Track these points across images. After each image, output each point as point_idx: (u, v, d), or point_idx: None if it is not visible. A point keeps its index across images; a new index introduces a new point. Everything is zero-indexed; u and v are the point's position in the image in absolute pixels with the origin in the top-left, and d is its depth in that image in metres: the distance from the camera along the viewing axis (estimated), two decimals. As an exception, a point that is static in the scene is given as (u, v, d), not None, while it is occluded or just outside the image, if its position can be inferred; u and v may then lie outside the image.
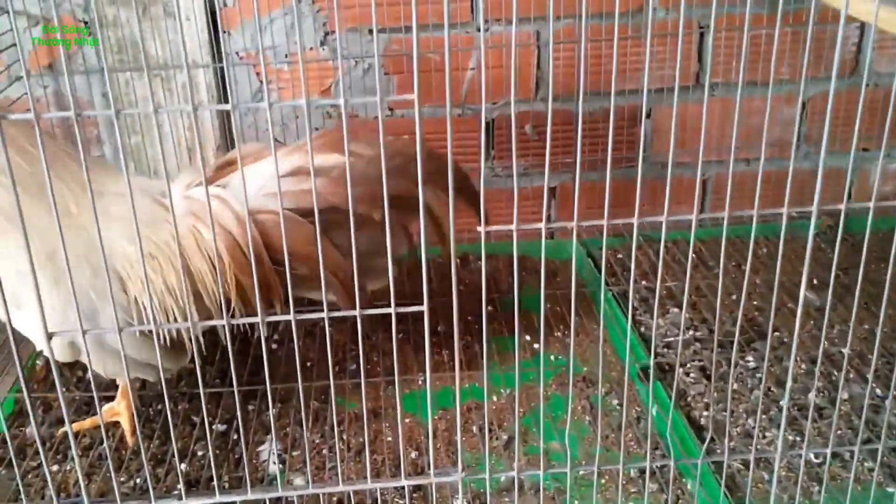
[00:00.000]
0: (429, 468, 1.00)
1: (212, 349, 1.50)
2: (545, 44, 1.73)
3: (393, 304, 0.79)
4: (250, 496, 0.93)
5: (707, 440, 1.20)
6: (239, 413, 0.91)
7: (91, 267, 1.11)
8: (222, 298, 0.95)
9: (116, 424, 1.34)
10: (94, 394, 0.89)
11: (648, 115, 1.80)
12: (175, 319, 1.16)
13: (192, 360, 1.46)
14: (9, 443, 1.10)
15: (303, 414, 0.94)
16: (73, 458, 1.27)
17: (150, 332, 1.07)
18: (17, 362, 0.80)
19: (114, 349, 1.15)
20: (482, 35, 0.73)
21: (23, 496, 0.99)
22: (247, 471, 0.98)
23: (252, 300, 1.19)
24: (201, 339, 1.21)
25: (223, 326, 0.90)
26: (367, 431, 1.24)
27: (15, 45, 1.60)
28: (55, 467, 1.27)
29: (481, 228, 0.79)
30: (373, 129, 1.75)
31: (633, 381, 1.41)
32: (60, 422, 1.36)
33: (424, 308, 0.79)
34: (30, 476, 1.26)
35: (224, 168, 1.25)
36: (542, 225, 0.83)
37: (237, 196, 1.19)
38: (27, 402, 0.81)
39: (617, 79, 0.80)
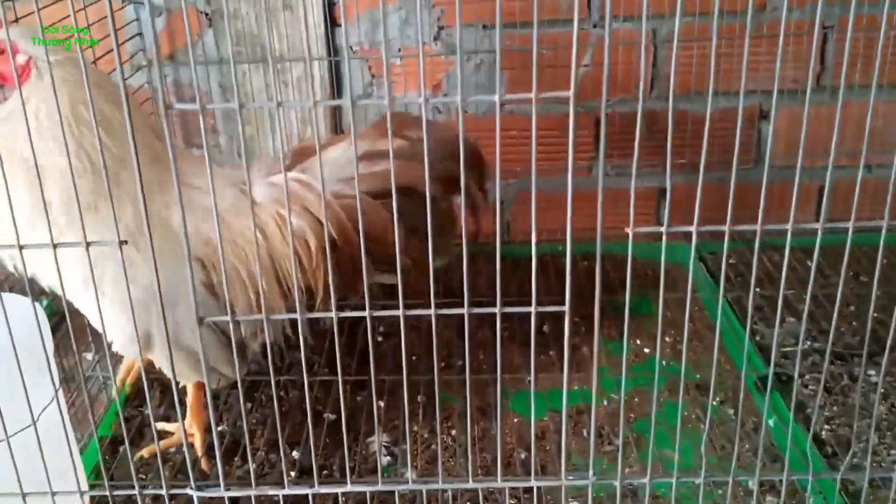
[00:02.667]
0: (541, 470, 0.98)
1: (320, 339, 1.52)
2: (661, 42, 1.69)
3: (534, 304, 0.78)
4: (350, 488, 0.93)
5: (828, 454, 1.16)
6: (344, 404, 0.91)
7: (174, 257, 1.02)
8: (302, 284, 0.93)
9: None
10: (177, 397, 0.90)
11: (765, 117, 1.75)
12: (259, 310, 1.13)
13: (304, 348, 1.48)
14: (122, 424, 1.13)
15: (406, 408, 0.93)
16: (185, 441, 1.30)
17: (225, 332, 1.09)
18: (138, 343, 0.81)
19: (189, 347, 1.13)
20: (607, 30, 0.70)
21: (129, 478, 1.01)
22: (347, 461, 0.97)
23: (339, 285, 1.17)
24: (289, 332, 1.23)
25: (308, 317, 0.88)
26: (471, 429, 1.23)
27: (140, 34, 1.65)
28: (172, 448, 1.30)
29: (629, 230, 0.77)
30: (483, 127, 1.75)
31: (749, 391, 1.37)
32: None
33: (566, 308, 0.77)
34: (149, 456, 1.29)
35: (300, 156, 1.26)
36: (663, 228, 0.80)
37: (318, 179, 1.19)
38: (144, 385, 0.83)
39: (745, 79, 0.77)
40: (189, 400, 1.29)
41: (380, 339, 1.56)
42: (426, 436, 1.32)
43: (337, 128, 1.77)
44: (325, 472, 1.26)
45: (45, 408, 0.90)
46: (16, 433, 0.85)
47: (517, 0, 1.63)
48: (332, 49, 1.69)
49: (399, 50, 1.71)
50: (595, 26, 1.68)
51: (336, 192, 1.21)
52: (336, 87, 1.73)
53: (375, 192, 1.20)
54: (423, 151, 1.15)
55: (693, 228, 0.80)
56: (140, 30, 1.65)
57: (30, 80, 1.03)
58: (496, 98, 0.72)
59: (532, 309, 0.78)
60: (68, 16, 0.61)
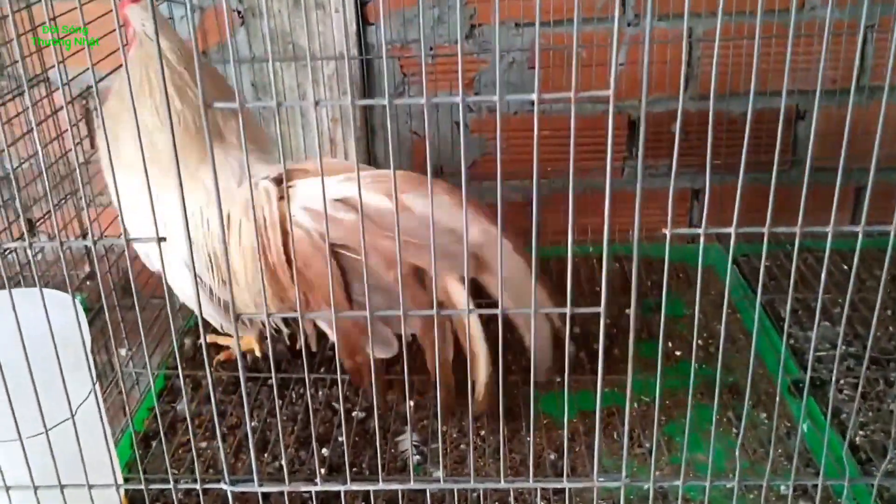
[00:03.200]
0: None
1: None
2: (696, 41, 1.68)
3: (569, 305, 0.78)
4: (381, 486, 0.93)
5: (862, 460, 1.14)
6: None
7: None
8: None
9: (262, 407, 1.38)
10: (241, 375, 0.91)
11: (802, 117, 1.72)
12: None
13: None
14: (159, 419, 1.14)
15: (437, 409, 0.93)
16: (220, 437, 1.31)
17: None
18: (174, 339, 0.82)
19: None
20: (648, 28, 0.70)
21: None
22: (379, 459, 0.98)
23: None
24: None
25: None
26: (503, 428, 1.22)
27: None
28: (203, 444, 1.31)
29: (667, 231, 0.76)
30: (513, 126, 1.74)
31: (783, 395, 1.35)
32: (209, 399, 1.41)
33: (601, 310, 0.77)
34: (180, 451, 1.31)
35: (296, 171, 1.23)
36: (700, 230, 0.80)
37: (297, 200, 1.18)
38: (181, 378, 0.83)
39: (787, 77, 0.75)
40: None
41: (411, 338, 1.55)
42: (455, 436, 1.31)
43: (367, 126, 1.77)
44: (354, 469, 1.26)
45: (82, 401, 0.91)
46: (54, 426, 0.86)
47: (555, -1, 1.62)
48: (364, 47, 1.69)
49: (431, 48, 1.71)
50: (629, 24, 1.67)
51: (297, 219, 1.18)
52: (367, 85, 1.73)
53: (335, 242, 1.16)
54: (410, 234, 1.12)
55: (732, 230, 0.79)
56: (174, 28, 1.66)
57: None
58: (534, 97, 0.72)
59: (567, 310, 0.78)
60: (109, 11, 0.61)
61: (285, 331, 1.43)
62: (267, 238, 1.18)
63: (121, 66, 1.36)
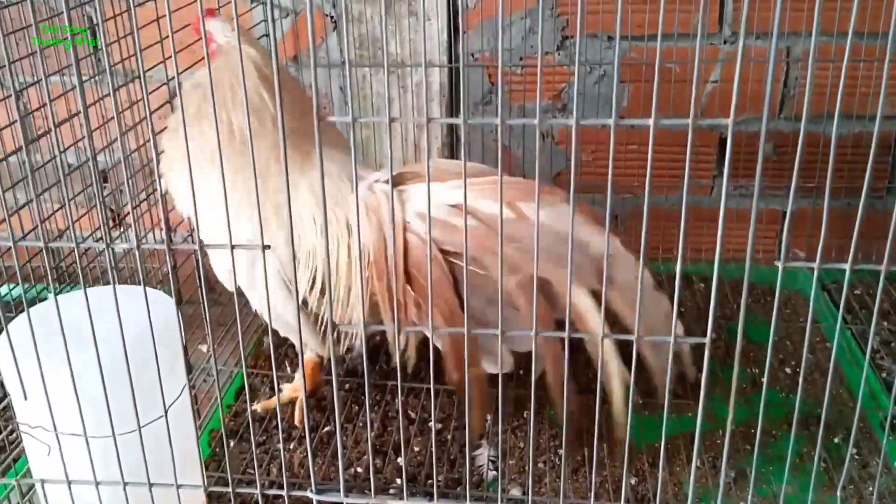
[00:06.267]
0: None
1: (423, 346, 1.51)
2: (794, 60, 1.63)
3: (673, 334, 0.75)
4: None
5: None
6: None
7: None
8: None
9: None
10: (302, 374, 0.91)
11: (901, 143, 1.67)
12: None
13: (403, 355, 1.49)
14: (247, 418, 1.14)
15: (532, 424, 0.91)
16: (297, 439, 1.32)
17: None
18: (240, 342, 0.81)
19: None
20: (740, 47, 0.67)
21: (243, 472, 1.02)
22: (466, 476, 0.96)
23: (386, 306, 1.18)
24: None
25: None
26: (597, 447, 1.20)
27: (267, 35, 1.68)
28: (279, 446, 1.32)
29: (779, 264, 0.73)
30: (601, 139, 1.72)
31: (874, 431, 1.30)
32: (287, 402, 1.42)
33: (707, 340, 0.74)
34: (257, 451, 1.31)
35: (407, 175, 1.22)
36: (779, 264, 0.76)
37: (414, 203, 1.17)
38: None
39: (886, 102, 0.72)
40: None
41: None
42: (532, 453, 1.29)
43: (453, 135, 1.76)
44: (429, 481, 1.25)
45: (174, 400, 0.92)
46: (147, 423, 0.87)
47: (647, 13, 1.59)
48: (455, 56, 1.68)
49: (521, 59, 1.69)
50: (725, 42, 1.63)
51: (412, 225, 1.16)
52: (455, 93, 1.72)
53: (449, 249, 1.15)
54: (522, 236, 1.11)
55: (815, 265, 0.75)
56: (267, 31, 1.68)
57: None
58: (611, 122, 0.70)
59: (671, 339, 0.76)
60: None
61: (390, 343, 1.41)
62: (384, 243, 1.15)
63: (195, 65, 1.39)
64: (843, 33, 1.53)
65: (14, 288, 1.55)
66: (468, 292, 0.82)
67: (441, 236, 1.13)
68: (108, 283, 1.21)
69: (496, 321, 0.75)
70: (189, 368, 1.43)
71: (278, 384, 1.46)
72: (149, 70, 1.48)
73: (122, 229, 1.77)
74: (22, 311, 0.85)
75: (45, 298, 1.40)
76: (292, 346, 1.53)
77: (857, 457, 1.26)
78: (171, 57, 0.72)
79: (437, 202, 1.13)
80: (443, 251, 1.14)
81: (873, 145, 0.74)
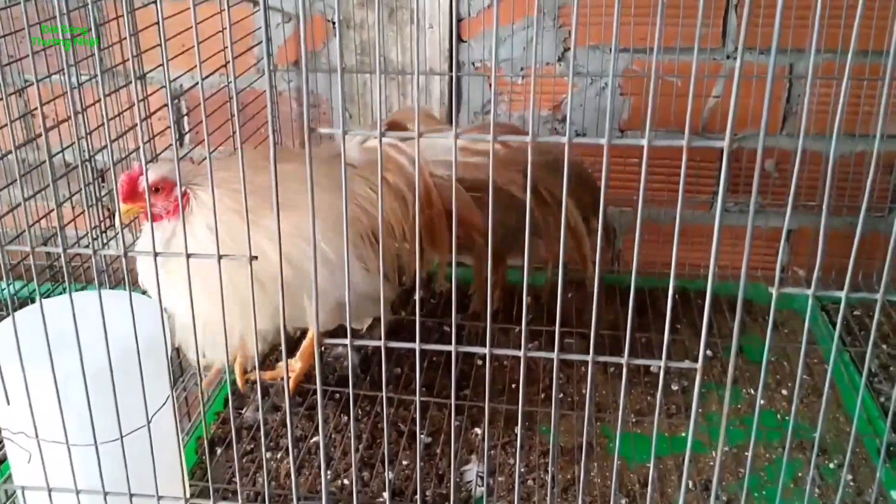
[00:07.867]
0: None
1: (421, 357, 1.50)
2: (797, 77, 1.62)
3: (664, 358, 0.74)
4: None
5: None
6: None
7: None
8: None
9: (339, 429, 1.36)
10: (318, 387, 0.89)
11: (905, 163, 1.65)
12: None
13: (401, 368, 1.47)
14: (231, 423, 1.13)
15: (519, 439, 0.90)
16: (285, 449, 1.30)
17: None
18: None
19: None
20: (738, 62, 0.66)
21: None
22: (453, 496, 0.95)
23: (433, 241, 1.34)
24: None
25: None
26: (585, 464, 1.19)
27: (269, 39, 1.67)
28: (267, 454, 1.30)
29: (773, 290, 0.72)
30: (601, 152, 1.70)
31: (871, 457, 1.28)
32: (276, 408, 1.40)
33: (699, 366, 0.73)
34: (244, 460, 1.30)
35: (393, 126, 1.34)
36: (773, 290, 0.74)
37: (410, 147, 1.30)
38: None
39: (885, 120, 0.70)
40: (305, 343, 1.43)
41: (479, 362, 1.52)
42: (522, 470, 1.28)
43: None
44: (416, 495, 1.23)
45: (158, 409, 0.91)
46: (130, 433, 0.85)
47: (650, 25, 1.58)
48: (456, 64, 1.67)
49: (521, 69, 1.68)
50: (728, 57, 1.62)
51: (430, 169, 1.32)
52: (455, 101, 1.71)
53: (465, 182, 1.26)
54: (522, 159, 1.20)
55: (810, 292, 0.74)
56: (269, 35, 1.67)
57: (189, 207, 1.12)
58: (604, 142, 0.69)
59: (662, 363, 0.74)
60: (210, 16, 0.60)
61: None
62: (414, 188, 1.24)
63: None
64: (847, 51, 1.52)
65: (5, 289, 1.54)
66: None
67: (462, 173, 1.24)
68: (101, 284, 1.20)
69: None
70: (178, 375, 1.42)
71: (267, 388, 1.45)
72: (149, 72, 1.47)
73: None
74: (16, 308, 0.84)
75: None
76: (278, 352, 1.51)
77: (852, 483, 1.25)
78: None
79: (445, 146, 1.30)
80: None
81: (873, 163, 0.72)
